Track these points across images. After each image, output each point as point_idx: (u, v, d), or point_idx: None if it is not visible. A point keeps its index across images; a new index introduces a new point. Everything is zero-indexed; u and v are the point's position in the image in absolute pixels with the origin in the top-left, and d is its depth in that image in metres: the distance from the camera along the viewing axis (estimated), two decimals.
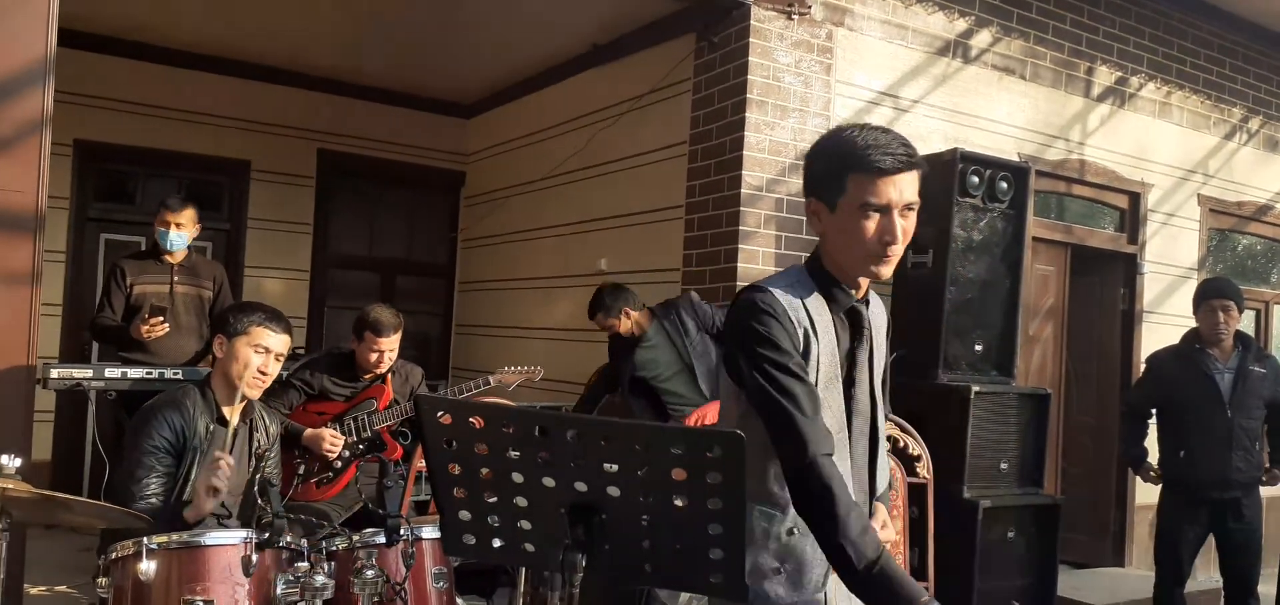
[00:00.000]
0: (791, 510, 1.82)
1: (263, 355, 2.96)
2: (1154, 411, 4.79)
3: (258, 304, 3.13)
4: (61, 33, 3.22)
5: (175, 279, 4.76)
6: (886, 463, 2.05)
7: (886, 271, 1.82)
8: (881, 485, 2.01)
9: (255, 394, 3.01)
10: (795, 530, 1.83)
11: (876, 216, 1.78)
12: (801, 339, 1.81)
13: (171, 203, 4.73)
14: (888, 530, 1.98)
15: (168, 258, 4.75)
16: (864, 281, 1.90)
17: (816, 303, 1.86)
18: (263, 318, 2.99)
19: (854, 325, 1.91)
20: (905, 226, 1.80)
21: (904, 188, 1.78)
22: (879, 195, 1.77)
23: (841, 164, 1.80)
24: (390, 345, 4.02)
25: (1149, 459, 4.71)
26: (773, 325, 1.79)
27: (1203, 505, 4.45)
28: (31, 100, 3.13)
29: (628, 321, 4.74)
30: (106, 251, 6.81)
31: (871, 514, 1.97)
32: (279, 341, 3.00)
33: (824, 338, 1.84)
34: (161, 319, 4.49)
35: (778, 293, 1.83)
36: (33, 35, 3.13)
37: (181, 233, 4.71)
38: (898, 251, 1.80)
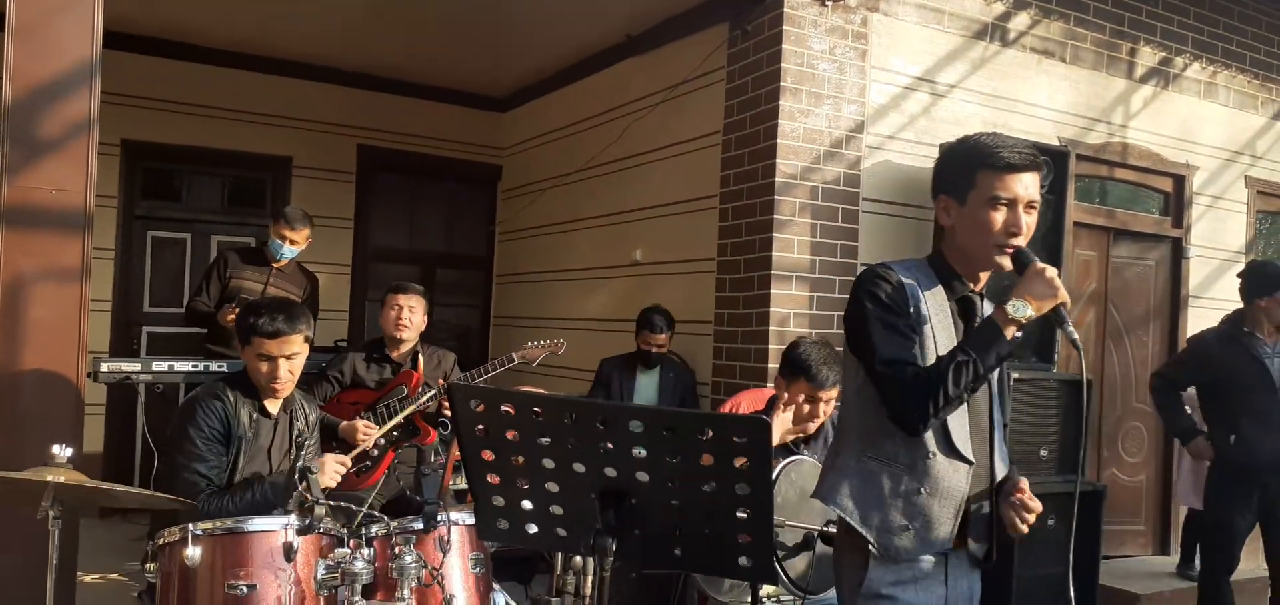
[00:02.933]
0: (918, 470, 1.97)
1: (268, 362, 2.94)
2: (1189, 390, 4.70)
3: (261, 305, 3.07)
4: (107, 35, 3.30)
5: (271, 279, 4.99)
6: (1005, 451, 2.14)
7: (1009, 263, 1.99)
8: (1001, 471, 2.11)
9: (282, 394, 3.06)
10: (922, 491, 1.97)
11: (1003, 209, 1.97)
12: (913, 315, 1.98)
13: (293, 219, 4.95)
14: (1035, 501, 2.02)
15: (274, 263, 4.98)
16: (984, 276, 2.08)
17: (934, 290, 2.04)
18: (262, 323, 2.92)
19: (966, 314, 2.07)
20: (1028, 222, 1.99)
21: (1029, 185, 1.98)
22: (1006, 189, 1.97)
23: (971, 162, 2.01)
24: (409, 302, 4.24)
25: (1200, 431, 4.57)
26: (886, 288, 1.98)
27: (1254, 491, 4.37)
28: (79, 101, 3.22)
29: (666, 343, 5.19)
30: (153, 248, 6.97)
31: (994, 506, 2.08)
32: (280, 345, 2.93)
33: (937, 319, 2.01)
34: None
35: (897, 271, 2.03)
36: (79, 38, 3.22)
37: (295, 248, 4.97)
38: (1021, 244, 1.99)
